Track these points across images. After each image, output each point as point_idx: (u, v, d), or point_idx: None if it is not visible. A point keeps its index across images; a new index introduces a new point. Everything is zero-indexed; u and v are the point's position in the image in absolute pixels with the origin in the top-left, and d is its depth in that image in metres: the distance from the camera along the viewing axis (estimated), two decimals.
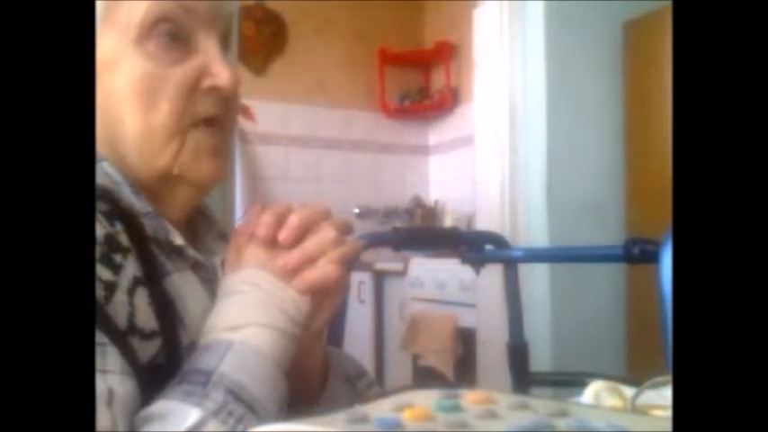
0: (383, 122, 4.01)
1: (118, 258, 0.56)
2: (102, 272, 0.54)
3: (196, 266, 0.66)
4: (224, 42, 0.66)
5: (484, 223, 2.43)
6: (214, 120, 0.65)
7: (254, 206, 0.65)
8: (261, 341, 0.58)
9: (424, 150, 4.13)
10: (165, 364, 0.58)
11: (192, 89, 0.63)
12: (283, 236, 0.62)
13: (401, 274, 3.27)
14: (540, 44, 2.30)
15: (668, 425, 0.37)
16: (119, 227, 0.58)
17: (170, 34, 0.62)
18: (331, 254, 0.62)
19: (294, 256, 0.61)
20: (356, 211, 3.74)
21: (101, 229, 0.56)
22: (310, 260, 0.62)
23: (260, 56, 3.65)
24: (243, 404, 0.54)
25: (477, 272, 1.73)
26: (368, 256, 2.75)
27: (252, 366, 0.56)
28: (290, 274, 0.61)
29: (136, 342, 0.55)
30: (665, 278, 1.00)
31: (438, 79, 3.99)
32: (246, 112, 3.35)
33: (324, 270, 0.62)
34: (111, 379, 0.52)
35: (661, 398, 0.54)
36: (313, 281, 0.61)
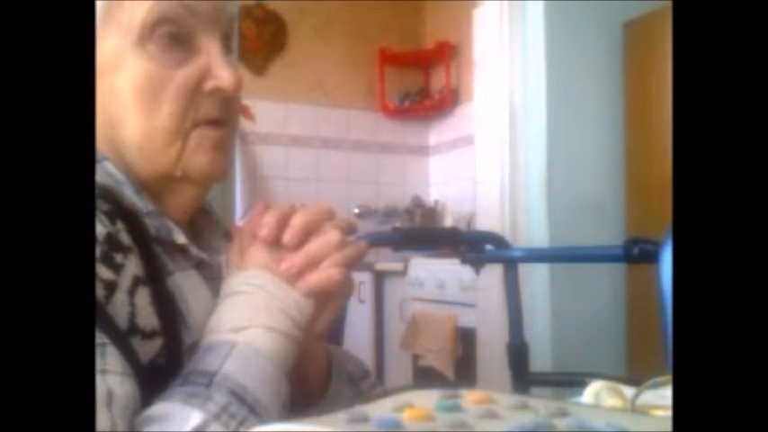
0: (383, 122, 4.00)
1: (119, 258, 0.56)
2: (103, 271, 0.54)
3: (200, 265, 0.66)
4: (226, 43, 0.66)
5: (484, 223, 2.43)
6: (216, 120, 0.65)
7: (257, 204, 0.65)
8: (264, 343, 0.58)
9: (424, 150, 4.13)
10: (166, 364, 0.58)
11: (195, 91, 0.63)
12: (287, 237, 0.62)
13: (401, 274, 3.27)
14: (540, 44, 2.30)
15: (668, 425, 0.37)
16: (120, 226, 0.58)
17: (171, 35, 0.62)
18: (334, 256, 0.62)
19: (297, 259, 0.61)
20: (356, 211, 3.74)
21: (101, 229, 0.56)
22: (314, 263, 0.62)
23: (260, 56, 3.65)
24: (245, 406, 0.54)
25: (477, 272, 1.73)
26: (368, 256, 2.74)
27: (255, 368, 0.56)
28: (294, 276, 0.61)
29: (136, 342, 0.55)
30: (665, 278, 1.00)
31: (438, 79, 3.99)
32: (246, 111, 3.35)
33: (327, 273, 0.61)
34: (111, 379, 0.52)
35: (661, 398, 0.54)
36: (316, 284, 0.61)
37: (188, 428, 0.51)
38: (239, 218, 2.26)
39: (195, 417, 0.52)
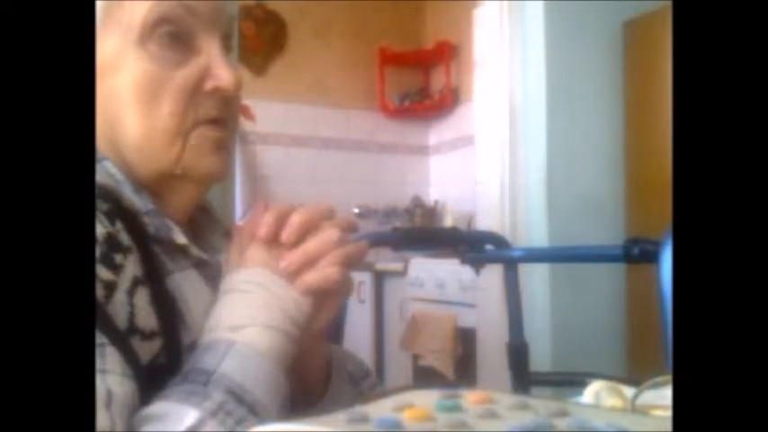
0: (383, 122, 4.00)
1: (118, 258, 0.56)
2: (102, 271, 0.54)
3: (200, 265, 0.66)
4: (226, 43, 0.66)
5: (484, 223, 2.43)
6: (216, 120, 0.65)
7: (257, 204, 0.65)
8: (262, 342, 0.58)
9: (424, 150, 4.13)
10: (166, 364, 0.58)
11: (195, 91, 0.63)
12: (285, 235, 0.62)
13: (401, 274, 3.27)
14: (540, 44, 2.30)
15: (668, 425, 0.37)
16: (119, 226, 0.58)
17: (171, 35, 0.62)
18: (333, 255, 0.62)
19: (296, 257, 0.61)
20: (356, 211, 3.74)
21: (101, 229, 0.56)
22: (312, 261, 0.62)
23: (260, 56, 3.65)
24: (244, 405, 0.54)
25: (477, 272, 1.73)
26: (368, 256, 2.75)
27: (253, 367, 0.56)
28: (293, 274, 0.61)
29: (136, 342, 0.55)
30: (665, 278, 1.00)
31: (438, 79, 3.99)
32: (246, 111, 3.35)
33: (325, 272, 0.61)
34: (111, 380, 0.52)
35: (661, 398, 0.54)
36: (314, 283, 0.61)
37: (183, 427, 0.51)
38: (239, 218, 2.26)
39: (191, 415, 0.52)
